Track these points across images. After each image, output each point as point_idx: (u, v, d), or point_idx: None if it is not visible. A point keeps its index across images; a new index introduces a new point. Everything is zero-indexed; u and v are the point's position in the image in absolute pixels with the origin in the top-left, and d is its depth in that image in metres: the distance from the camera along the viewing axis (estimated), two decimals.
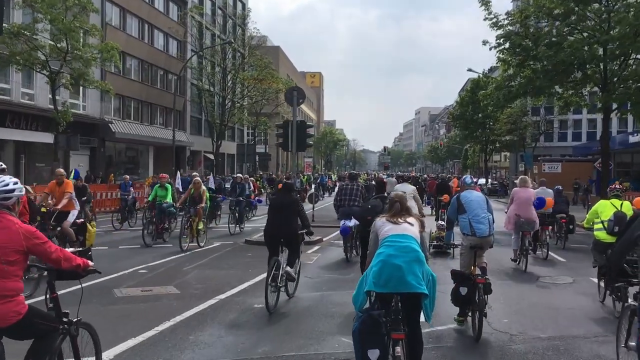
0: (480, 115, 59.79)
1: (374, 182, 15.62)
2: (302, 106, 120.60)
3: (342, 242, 14.02)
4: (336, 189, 16.75)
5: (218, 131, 46.29)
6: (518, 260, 12.83)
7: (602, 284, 9.41)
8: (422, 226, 5.78)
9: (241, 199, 19.69)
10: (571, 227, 16.51)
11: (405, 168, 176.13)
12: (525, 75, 25.88)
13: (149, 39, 45.51)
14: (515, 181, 15.44)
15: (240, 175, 24.38)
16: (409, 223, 5.57)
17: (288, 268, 9.01)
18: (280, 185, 25.90)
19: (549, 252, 14.36)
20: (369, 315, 5.03)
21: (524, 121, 52.00)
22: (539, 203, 13.41)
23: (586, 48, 22.97)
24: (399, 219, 5.57)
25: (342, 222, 12.85)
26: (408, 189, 12.11)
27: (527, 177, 14.12)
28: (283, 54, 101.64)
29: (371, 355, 4.89)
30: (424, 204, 17.75)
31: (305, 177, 36.81)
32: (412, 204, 11.58)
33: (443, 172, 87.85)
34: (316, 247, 16.04)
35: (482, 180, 62.06)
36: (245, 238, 17.53)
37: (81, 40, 26.02)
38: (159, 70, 46.94)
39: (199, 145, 53.53)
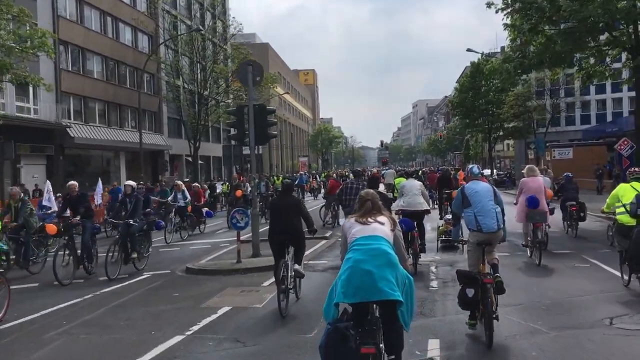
0: (482, 101, 55.18)
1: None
2: (297, 104, 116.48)
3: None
4: (338, 189, 15.09)
5: (195, 132, 41.53)
6: (531, 253, 12.20)
7: (625, 268, 9.11)
8: (394, 225, 5.23)
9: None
10: (582, 214, 15.81)
11: (405, 163, 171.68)
12: (539, 42, 21.29)
13: (114, 33, 40.85)
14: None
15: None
16: (380, 222, 5.11)
17: (296, 266, 8.85)
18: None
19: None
20: (335, 328, 4.49)
21: (529, 105, 47.26)
22: (532, 203, 11.80)
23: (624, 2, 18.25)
24: (369, 219, 5.10)
25: None
26: (415, 184, 12.07)
27: (534, 165, 13.39)
28: (273, 51, 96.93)
29: None
30: None
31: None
32: (421, 200, 11.39)
33: (444, 165, 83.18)
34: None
35: (487, 171, 57.46)
36: (187, 264, 12.94)
37: (4, 26, 21.34)
38: (127, 67, 42.27)
39: (179, 148, 48.89)
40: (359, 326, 4.66)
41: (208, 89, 41.26)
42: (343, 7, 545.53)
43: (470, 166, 8.20)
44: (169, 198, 19.83)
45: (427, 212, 12.26)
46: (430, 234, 14.58)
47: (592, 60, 23.13)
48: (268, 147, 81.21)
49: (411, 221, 11.16)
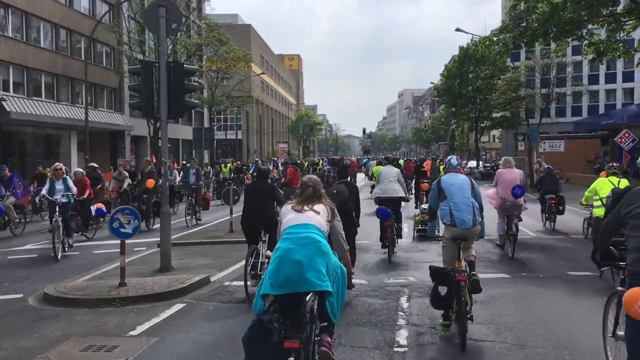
0: (469, 88, 51.50)
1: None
2: (280, 89, 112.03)
3: None
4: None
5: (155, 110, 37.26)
6: (504, 245, 12.04)
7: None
8: (332, 215, 4.93)
9: None
10: (561, 208, 15.75)
11: (389, 152, 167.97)
12: (542, 10, 17.52)
13: None
14: (547, 167, 15.59)
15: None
16: (315, 211, 4.80)
17: (269, 252, 8.30)
18: (150, 183, 17.23)
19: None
20: (258, 321, 4.15)
21: (520, 93, 43.56)
22: (517, 191, 11.44)
23: None
24: (305, 207, 4.80)
25: None
26: (392, 171, 12.00)
27: (510, 157, 13.23)
28: (255, 33, 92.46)
29: None
30: None
31: (228, 165, 27.76)
32: (397, 187, 11.65)
33: (429, 155, 79.69)
34: None
35: (472, 163, 53.86)
36: (46, 287, 8.90)
37: None
38: (82, 37, 37.79)
39: (142, 129, 44.52)
40: (288, 319, 4.30)
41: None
42: None
43: (449, 157, 7.62)
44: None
45: (404, 199, 12.03)
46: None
47: (603, 34, 19.41)
48: (247, 132, 77.14)
49: (387, 210, 10.77)
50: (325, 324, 4.68)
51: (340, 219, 5.14)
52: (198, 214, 18.35)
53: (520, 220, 12.27)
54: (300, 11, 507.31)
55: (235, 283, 9.29)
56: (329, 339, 4.64)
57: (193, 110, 56.34)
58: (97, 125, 38.62)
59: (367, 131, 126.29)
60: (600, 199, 9.77)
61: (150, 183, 16.56)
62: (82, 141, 40.20)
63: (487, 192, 11.97)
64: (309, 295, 4.41)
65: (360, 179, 39.19)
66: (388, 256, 11.05)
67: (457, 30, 37.58)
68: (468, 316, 6.23)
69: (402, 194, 11.74)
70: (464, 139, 68.98)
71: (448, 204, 6.78)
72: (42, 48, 33.84)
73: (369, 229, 13.13)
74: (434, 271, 6.52)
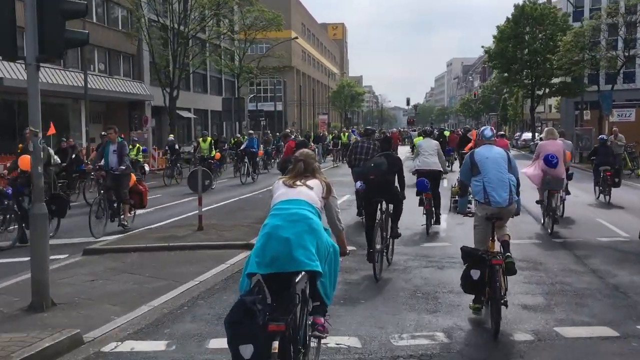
0: (525, 51, 45.59)
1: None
2: (323, 59, 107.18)
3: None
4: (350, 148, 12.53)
5: (172, 77, 33.28)
6: (544, 221, 11.41)
7: None
8: (328, 191, 4.50)
9: None
10: (617, 180, 14.96)
11: (437, 124, 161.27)
12: None
13: None
14: (600, 137, 15.37)
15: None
16: (308, 186, 4.40)
17: None
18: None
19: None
20: (241, 302, 3.78)
21: (587, 55, 37.52)
22: (551, 160, 10.46)
23: None
24: (297, 182, 4.43)
25: (357, 184, 9.18)
26: (431, 144, 11.74)
27: (553, 128, 12.72)
28: (296, 0, 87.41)
29: (243, 351, 3.69)
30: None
31: (208, 139, 22.66)
32: (435, 160, 11.34)
33: (477, 127, 73.89)
34: None
35: (527, 135, 48.30)
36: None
37: None
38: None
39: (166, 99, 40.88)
40: (276, 300, 3.98)
41: (188, 24, 32.59)
42: None
43: (483, 128, 6.87)
44: None
45: (443, 173, 11.76)
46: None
47: None
48: (284, 103, 72.95)
49: (424, 181, 10.49)
50: (318, 303, 4.36)
51: (336, 196, 4.70)
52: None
53: (569, 193, 12.14)
54: None
55: (136, 344, 5.22)
56: (322, 320, 4.35)
57: (224, 80, 52.54)
58: (113, 95, 35.12)
59: (415, 103, 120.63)
60: None
61: (23, 162, 10.33)
62: (96, 111, 36.97)
63: (527, 171, 11.05)
64: (300, 276, 4.08)
65: (405, 151, 34.59)
66: (426, 228, 10.96)
67: None
68: (502, 302, 5.64)
69: (439, 167, 11.48)
70: (518, 108, 62.91)
71: (482, 179, 6.20)
72: None
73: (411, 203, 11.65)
74: (466, 253, 5.93)
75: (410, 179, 10.51)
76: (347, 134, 34.61)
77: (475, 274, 5.72)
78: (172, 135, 26.64)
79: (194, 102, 47.00)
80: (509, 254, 6.10)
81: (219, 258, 8.89)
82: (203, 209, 11.16)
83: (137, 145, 20.20)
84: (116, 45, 34.83)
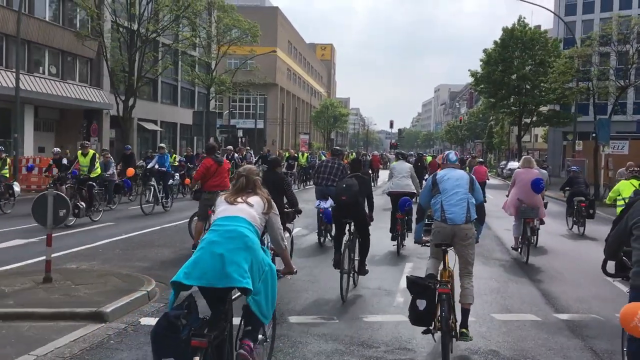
0: (514, 77, 42.89)
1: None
2: (309, 78, 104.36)
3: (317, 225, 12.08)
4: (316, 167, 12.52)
5: (126, 83, 29.87)
6: (519, 249, 11.18)
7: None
8: (269, 207, 4.47)
9: None
10: (591, 211, 14.67)
11: (422, 150, 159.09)
12: None
13: None
14: (572, 167, 15.68)
15: None
16: (249, 203, 4.37)
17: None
18: None
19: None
20: (164, 316, 3.79)
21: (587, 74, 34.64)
22: (540, 184, 10.79)
23: None
24: (239, 199, 4.38)
25: (317, 202, 11.17)
26: (404, 166, 11.99)
27: (530, 157, 12.39)
28: (283, 17, 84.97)
29: None
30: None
31: (91, 152, 18.25)
32: (408, 182, 11.78)
33: (463, 154, 71.13)
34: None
35: (513, 164, 45.45)
36: None
37: None
38: None
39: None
40: (211, 316, 4.06)
41: (146, 26, 29.18)
42: None
43: (447, 152, 6.83)
44: None
45: (415, 195, 11.68)
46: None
47: None
48: (264, 121, 69.90)
49: (410, 200, 10.50)
50: (249, 328, 4.31)
51: (278, 212, 4.65)
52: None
53: (543, 223, 12.07)
54: (337, 6, 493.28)
55: None
56: (250, 342, 4.24)
57: (197, 93, 49.30)
58: (64, 101, 31.66)
59: (402, 127, 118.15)
60: (623, 199, 10.09)
61: None
62: (48, 119, 33.56)
63: (504, 204, 11.51)
64: (237, 293, 4.16)
65: (387, 175, 31.55)
66: (397, 248, 11.12)
67: None
68: (452, 334, 5.46)
69: (413, 189, 11.69)
70: (504, 136, 60.26)
71: (440, 198, 6.09)
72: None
73: (382, 222, 12.25)
74: (412, 282, 5.59)
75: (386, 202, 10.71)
76: (306, 154, 31.08)
77: (421, 304, 5.45)
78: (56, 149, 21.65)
79: (161, 114, 43.68)
80: (464, 330, 5.76)
81: (32, 341, 5.55)
82: (99, 243, 8.01)
83: (4, 156, 16.26)
84: (71, 47, 31.41)
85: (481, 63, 44.40)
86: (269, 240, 5.73)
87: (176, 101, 46.93)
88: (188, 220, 11.32)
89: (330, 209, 10.33)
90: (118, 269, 8.68)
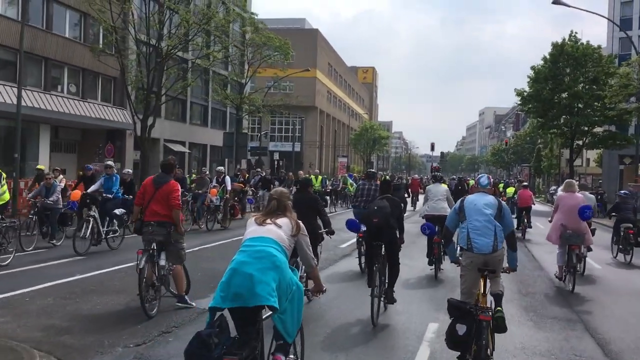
0: (564, 95, 39.46)
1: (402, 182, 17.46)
2: (349, 101, 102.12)
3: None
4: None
5: (144, 103, 27.97)
6: (563, 278, 10.61)
7: None
8: (297, 229, 4.58)
9: None
10: None
11: (467, 174, 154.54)
12: None
13: None
14: (622, 192, 14.99)
15: None
16: (277, 225, 4.50)
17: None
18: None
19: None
20: (197, 335, 3.92)
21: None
22: (586, 213, 10.24)
23: None
24: (267, 220, 4.53)
25: (349, 221, 9.95)
26: (440, 189, 11.71)
27: (573, 180, 11.81)
28: (323, 39, 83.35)
29: None
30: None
31: None
32: (444, 205, 11.26)
33: (510, 178, 67.16)
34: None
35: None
36: None
37: None
38: (67, 10, 29.50)
39: (154, 130, 35.70)
40: (240, 333, 4.19)
41: (168, 40, 27.23)
42: (414, 15, 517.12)
43: (480, 175, 6.62)
44: None
45: None
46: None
47: None
48: (301, 144, 67.85)
49: (433, 226, 10.20)
50: (281, 342, 4.37)
51: (307, 234, 4.76)
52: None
53: (590, 250, 11.49)
54: (380, 31, 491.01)
55: None
56: (282, 356, 4.32)
57: (229, 114, 47.48)
58: (84, 121, 30.10)
59: (446, 151, 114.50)
60: None
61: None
62: (69, 140, 32.06)
63: (547, 235, 10.94)
64: (268, 312, 4.23)
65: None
66: (434, 273, 10.95)
67: (555, 2, 26.22)
68: None
69: (449, 212, 9.24)
70: (553, 160, 56.27)
71: (467, 225, 5.92)
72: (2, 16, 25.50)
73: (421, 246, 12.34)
74: (453, 306, 5.51)
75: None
76: (320, 177, 27.69)
77: (461, 329, 5.32)
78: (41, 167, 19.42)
79: (190, 135, 41.94)
80: (499, 308, 5.68)
81: None
82: (36, 287, 6.51)
83: None
84: (93, 65, 29.74)
85: (529, 80, 41.12)
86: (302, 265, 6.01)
87: (206, 122, 45.20)
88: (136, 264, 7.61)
89: (356, 222, 9.71)
90: (18, 332, 6.22)
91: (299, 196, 8.51)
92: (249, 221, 4.59)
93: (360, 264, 11.24)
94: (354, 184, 26.94)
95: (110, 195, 12.59)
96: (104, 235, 12.35)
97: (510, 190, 26.53)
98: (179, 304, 7.68)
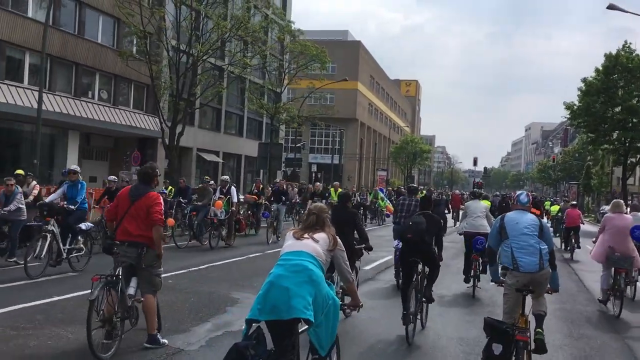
0: (617, 109, 36.93)
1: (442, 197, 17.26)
2: (391, 114, 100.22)
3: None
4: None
5: (173, 111, 27.04)
6: (607, 301, 10.01)
7: None
8: (334, 244, 4.56)
9: None
10: None
11: (512, 190, 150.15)
12: None
13: None
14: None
15: None
16: (314, 239, 4.48)
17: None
18: None
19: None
20: (234, 346, 3.94)
21: None
22: (636, 232, 9.85)
23: None
24: (305, 235, 4.51)
25: (395, 242, 10.30)
26: (479, 205, 11.32)
27: (621, 200, 11.18)
28: (365, 51, 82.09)
29: None
30: None
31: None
32: (483, 223, 10.87)
33: (557, 196, 64.21)
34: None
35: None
36: None
37: None
38: (100, 16, 29.03)
39: (187, 139, 34.91)
40: (276, 346, 4.19)
41: (199, 45, 26.25)
42: (461, 29, 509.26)
43: (519, 192, 6.53)
44: None
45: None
46: None
47: None
48: (339, 156, 66.45)
49: (484, 240, 9.32)
50: (317, 356, 4.40)
51: (343, 248, 4.70)
52: None
53: (637, 280, 10.66)
54: (426, 45, 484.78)
55: None
56: None
57: (265, 124, 46.51)
58: (114, 128, 29.47)
59: (490, 167, 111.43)
60: None
61: None
62: (102, 148, 31.51)
63: (592, 252, 10.42)
64: (301, 324, 4.21)
65: None
66: (472, 290, 10.63)
67: (610, 7, 24.11)
68: None
69: (487, 229, 10.40)
70: (604, 177, 53.15)
71: (510, 244, 5.82)
72: (28, 18, 25.08)
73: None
74: (489, 325, 5.36)
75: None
76: (340, 190, 24.99)
77: (497, 348, 5.16)
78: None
79: (224, 144, 41.05)
80: (539, 329, 5.75)
81: None
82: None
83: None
84: (125, 72, 29.03)
85: (579, 94, 38.70)
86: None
87: (242, 132, 44.31)
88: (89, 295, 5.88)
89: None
90: None
91: (338, 211, 8.30)
92: (287, 235, 4.61)
93: (397, 279, 10.94)
94: (385, 199, 25.31)
95: (73, 207, 10.35)
96: (65, 254, 10.21)
97: (555, 208, 25.54)
98: (148, 345, 6.27)
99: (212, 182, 15.57)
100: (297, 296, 4.04)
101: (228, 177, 14.80)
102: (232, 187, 14.55)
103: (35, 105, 23.94)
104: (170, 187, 17.18)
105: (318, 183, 17.91)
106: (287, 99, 42.57)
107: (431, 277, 7.86)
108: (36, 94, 24.50)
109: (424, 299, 7.75)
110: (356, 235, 8.30)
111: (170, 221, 13.69)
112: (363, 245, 8.17)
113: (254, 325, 4.09)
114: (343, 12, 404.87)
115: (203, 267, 11.94)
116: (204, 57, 26.82)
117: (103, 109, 28.88)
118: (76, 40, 27.29)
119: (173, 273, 10.65)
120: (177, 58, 26.42)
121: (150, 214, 6.17)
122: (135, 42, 29.15)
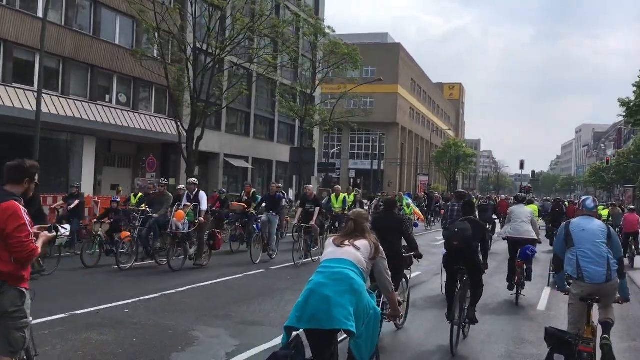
0: None
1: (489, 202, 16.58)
2: (434, 118, 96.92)
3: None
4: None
5: (191, 113, 25.18)
6: None
7: None
8: (376, 252, 4.42)
9: None
10: None
11: (562, 195, 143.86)
12: None
13: None
14: None
15: None
16: (355, 247, 4.35)
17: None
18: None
19: None
20: (273, 355, 3.88)
21: None
22: None
23: None
24: (346, 241, 4.40)
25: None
26: (524, 210, 10.95)
27: None
28: (405, 54, 79.52)
29: None
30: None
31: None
32: (528, 228, 10.44)
33: (611, 200, 59.85)
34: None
35: None
36: None
37: None
38: (117, 16, 27.58)
39: (212, 144, 33.23)
40: (315, 356, 4.09)
41: (216, 43, 24.33)
42: (505, 30, 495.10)
43: (584, 197, 6.16)
44: None
45: (536, 242, 10.72)
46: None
47: None
48: (378, 161, 63.94)
49: (535, 249, 10.45)
50: None
51: (385, 257, 4.59)
52: None
53: None
54: (470, 48, 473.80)
55: None
56: None
57: (297, 128, 44.46)
58: (132, 133, 27.92)
59: (539, 171, 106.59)
60: None
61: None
62: (124, 154, 30.05)
63: None
64: (340, 334, 4.12)
65: None
66: (516, 298, 10.35)
67: None
68: None
69: (533, 235, 10.55)
70: None
71: (575, 252, 5.55)
72: (50, 22, 23.71)
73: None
74: (550, 335, 5.19)
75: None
76: (342, 196, 19.67)
77: (559, 359, 5.01)
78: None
79: (253, 150, 39.18)
80: (606, 336, 5.53)
81: None
82: None
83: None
84: (145, 74, 27.34)
85: (635, 89, 35.16)
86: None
87: (272, 136, 42.38)
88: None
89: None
90: None
91: (384, 218, 8.05)
92: (327, 242, 4.56)
93: (442, 287, 9.65)
94: (412, 204, 22.76)
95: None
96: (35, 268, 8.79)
97: (605, 212, 22.86)
98: None
99: (181, 186, 12.57)
100: (338, 305, 3.94)
101: (195, 179, 12.11)
102: (201, 192, 11.87)
103: (47, 110, 22.57)
104: (139, 194, 14.30)
105: (309, 186, 14.79)
106: (320, 102, 40.51)
107: (474, 295, 7.54)
108: (47, 97, 23.16)
109: (467, 319, 7.40)
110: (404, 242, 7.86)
111: (124, 234, 11.66)
112: (412, 253, 7.84)
113: (294, 333, 3.99)
114: (383, 19, 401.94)
115: (153, 296, 9.20)
116: (223, 55, 24.93)
117: (122, 114, 27.39)
118: (91, 41, 25.88)
119: (129, 301, 8.52)
120: (194, 56, 24.63)
121: (9, 238, 3.99)
122: (151, 40, 27.50)
